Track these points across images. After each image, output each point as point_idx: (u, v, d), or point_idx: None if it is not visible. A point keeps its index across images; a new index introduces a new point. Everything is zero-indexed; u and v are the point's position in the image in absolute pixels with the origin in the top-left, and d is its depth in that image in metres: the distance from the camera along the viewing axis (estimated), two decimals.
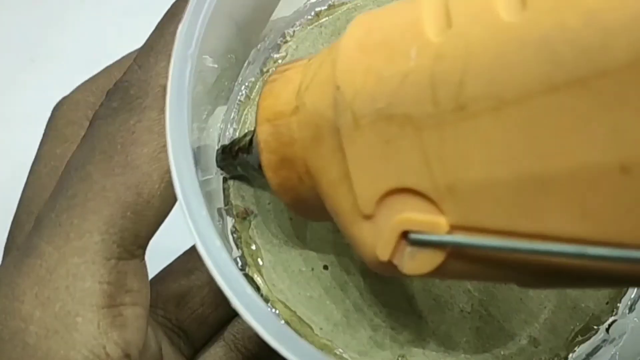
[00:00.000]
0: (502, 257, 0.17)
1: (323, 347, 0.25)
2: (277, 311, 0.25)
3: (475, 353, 0.25)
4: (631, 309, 0.26)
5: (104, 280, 0.21)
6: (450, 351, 0.25)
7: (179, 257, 0.27)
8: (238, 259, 0.26)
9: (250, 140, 0.24)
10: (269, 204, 0.26)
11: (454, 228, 0.18)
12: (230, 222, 0.26)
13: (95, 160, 0.21)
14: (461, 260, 0.18)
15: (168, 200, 0.22)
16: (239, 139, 0.25)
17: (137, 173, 0.21)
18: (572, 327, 0.26)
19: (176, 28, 0.22)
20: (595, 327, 0.26)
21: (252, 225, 0.26)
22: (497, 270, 0.18)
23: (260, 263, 0.26)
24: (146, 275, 0.22)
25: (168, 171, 0.21)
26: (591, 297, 0.26)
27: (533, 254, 0.16)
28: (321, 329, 0.25)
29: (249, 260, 0.26)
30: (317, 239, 0.26)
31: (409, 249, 0.18)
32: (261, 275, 0.26)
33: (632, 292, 0.27)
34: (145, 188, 0.21)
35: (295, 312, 0.25)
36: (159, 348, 0.24)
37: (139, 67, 0.22)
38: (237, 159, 0.25)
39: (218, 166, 0.26)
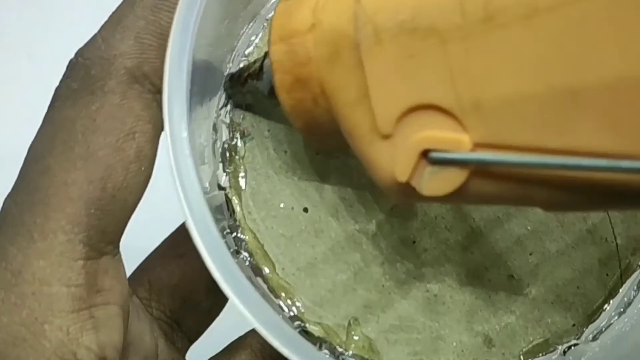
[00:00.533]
0: (528, 175, 0.17)
1: (279, 288, 0.24)
2: (246, 238, 0.25)
3: (428, 337, 0.25)
4: (595, 338, 0.26)
5: (72, 283, 0.20)
6: (404, 328, 0.25)
7: (168, 238, 0.26)
8: (221, 176, 0.25)
9: (261, 67, 0.24)
10: (268, 130, 0.25)
11: (477, 146, 0.17)
12: (224, 135, 0.25)
13: (56, 151, 0.20)
14: (484, 180, 0.17)
15: (135, 192, 0.21)
16: (248, 66, 0.25)
17: (99, 166, 0.20)
18: (531, 339, 0.25)
19: (151, 1, 0.20)
20: (554, 344, 0.26)
21: (245, 147, 0.25)
22: (522, 190, 0.17)
23: (242, 187, 0.25)
24: (120, 270, 0.21)
25: (132, 161, 0.20)
26: (559, 314, 0.26)
27: (562, 170, 0.16)
28: (283, 269, 0.25)
29: (232, 180, 0.25)
30: (306, 179, 0.25)
31: (429, 169, 0.18)
32: (239, 199, 0.25)
33: (600, 321, 0.26)
34: (109, 182, 0.20)
35: (262, 246, 0.25)
36: (155, 344, 0.23)
37: (103, 42, 0.21)
38: (245, 86, 0.24)
39: (226, 94, 0.25)
